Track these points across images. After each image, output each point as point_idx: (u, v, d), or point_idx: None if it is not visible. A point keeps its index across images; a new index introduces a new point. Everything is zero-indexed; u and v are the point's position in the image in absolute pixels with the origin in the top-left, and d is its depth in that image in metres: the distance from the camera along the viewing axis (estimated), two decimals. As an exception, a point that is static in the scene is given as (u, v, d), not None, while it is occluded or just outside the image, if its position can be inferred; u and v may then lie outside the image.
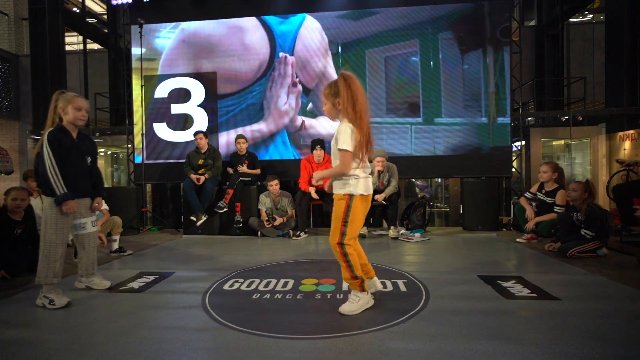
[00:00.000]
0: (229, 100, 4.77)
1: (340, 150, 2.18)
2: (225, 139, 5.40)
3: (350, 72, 2.20)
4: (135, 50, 6.34)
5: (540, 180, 4.42)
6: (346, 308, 2.25)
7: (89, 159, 2.67)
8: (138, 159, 6.32)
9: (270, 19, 4.50)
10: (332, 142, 2.27)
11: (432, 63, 5.55)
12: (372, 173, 4.89)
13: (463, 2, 5.74)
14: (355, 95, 2.14)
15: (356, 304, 2.26)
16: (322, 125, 5.32)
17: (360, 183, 2.24)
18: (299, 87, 3.96)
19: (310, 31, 4.03)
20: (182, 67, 5.23)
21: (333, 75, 4.45)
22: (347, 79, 2.15)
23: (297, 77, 4.00)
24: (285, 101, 4.19)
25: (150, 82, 5.96)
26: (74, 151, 2.52)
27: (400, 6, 5.71)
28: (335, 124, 2.32)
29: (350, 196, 2.23)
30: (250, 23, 4.28)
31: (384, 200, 4.77)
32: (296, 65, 4.14)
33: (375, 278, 2.58)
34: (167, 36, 6.16)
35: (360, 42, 5.43)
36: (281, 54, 4.21)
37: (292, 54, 4.12)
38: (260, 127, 4.33)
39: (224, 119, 5.06)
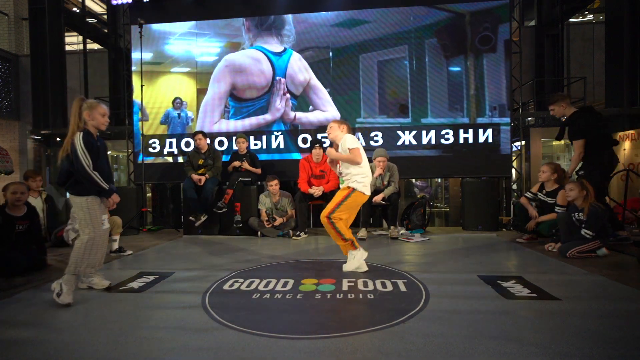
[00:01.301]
0: (249, 102, 6.24)
1: (350, 149, 2.98)
2: (241, 123, 6.30)
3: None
4: (136, 51, 6.35)
5: (539, 179, 4.42)
6: (347, 266, 2.97)
7: (105, 161, 2.81)
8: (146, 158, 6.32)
9: (272, 56, 6.15)
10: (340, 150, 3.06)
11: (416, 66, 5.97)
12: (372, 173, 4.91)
13: (464, 2, 5.76)
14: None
15: (354, 260, 2.94)
16: (313, 116, 6.23)
17: (366, 181, 3.01)
18: (288, 95, 6.09)
19: (295, 61, 6.12)
20: (224, 83, 6.30)
21: (316, 84, 6.11)
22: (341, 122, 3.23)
23: (286, 89, 6.08)
24: (279, 102, 6.10)
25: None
26: (100, 153, 2.69)
27: (395, 6, 5.89)
28: (317, 114, 3.04)
29: (353, 189, 2.97)
30: (261, 56, 6.17)
31: (383, 200, 4.77)
32: (287, 80, 6.11)
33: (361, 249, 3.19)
34: (177, 42, 6.44)
35: (354, 47, 6.07)
36: (277, 78, 6.12)
37: (284, 76, 6.10)
38: (265, 117, 6.17)
39: (245, 111, 6.28)
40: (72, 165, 2.56)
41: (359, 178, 2.99)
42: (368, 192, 3.02)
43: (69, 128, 2.61)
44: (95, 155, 2.60)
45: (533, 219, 4.31)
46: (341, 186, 3.02)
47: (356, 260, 2.96)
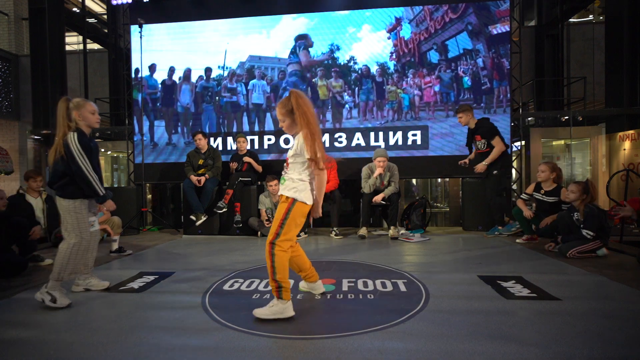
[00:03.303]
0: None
1: (309, 159, 2.23)
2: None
3: (297, 90, 2.32)
4: (136, 50, 6.35)
5: (538, 179, 4.41)
6: (258, 310, 2.20)
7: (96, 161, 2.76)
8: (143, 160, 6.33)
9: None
10: (292, 152, 2.32)
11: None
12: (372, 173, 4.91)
13: (463, 2, 5.76)
14: (308, 108, 2.24)
15: (269, 308, 2.18)
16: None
17: (307, 190, 2.29)
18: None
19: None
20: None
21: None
22: (298, 97, 2.24)
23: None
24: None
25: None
26: (93, 153, 2.62)
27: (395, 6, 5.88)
28: None
29: (294, 200, 2.26)
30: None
31: (383, 200, 4.77)
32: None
33: (319, 282, 2.64)
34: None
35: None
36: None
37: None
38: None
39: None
40: (68, 168, 2.48)
41: (300, 185, 2.28)
42: (311, 202, 2.31)
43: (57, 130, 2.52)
44: (88, 155, 2.53)
45: (531, 216, 4.29)
46: (280, 192, 2.35)
47: (270, 311, 2.17)
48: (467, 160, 4.80)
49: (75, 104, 2.57)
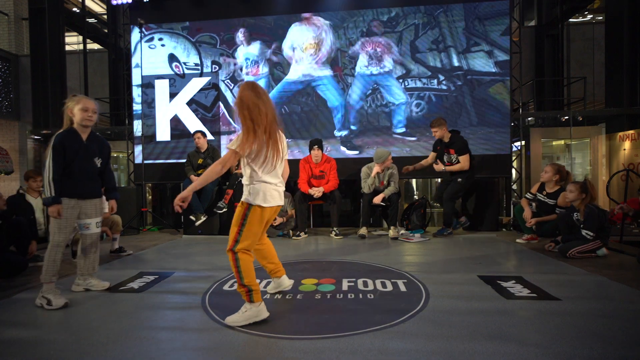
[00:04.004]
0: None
1: (228, 148, 2.12)
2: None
3: (250, 81, 2.16)
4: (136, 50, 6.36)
5: (541, 180, 4.42)
6: (230, 318, 2.11)
7: (98, 161, 2.71)
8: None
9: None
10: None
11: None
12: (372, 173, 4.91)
13: (464, 2, 5.75)
14: (252, 100, 2.09)
15: (241, 314, 2.09)
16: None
17: (261, 192, 2.15)
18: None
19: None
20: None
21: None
22: (243, 89, 2.12)
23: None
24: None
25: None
26: (81, 153, 2.56)
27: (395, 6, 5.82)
28: None
29: (249, 205, 2.15)
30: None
31: (383, 200, 4.77)
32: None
33: (284, 277, 2.60)
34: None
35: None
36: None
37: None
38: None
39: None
40: None
41: (253, 187, 2.16)
42: (269, 203, 2.18)
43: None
44: (72, 156, 2.50)
45: (529, 220, 4.31)
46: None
47: (244, 316, 2.08)
48: (415, 167, 5.02)
49: (72, 100, 2.57)
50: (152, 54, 6.30)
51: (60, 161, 2.48)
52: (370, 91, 5.85)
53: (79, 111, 2.53)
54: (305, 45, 5.88)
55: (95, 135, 2.72)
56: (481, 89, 5.37)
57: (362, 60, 5.82)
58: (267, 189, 2.18)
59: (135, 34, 6.21)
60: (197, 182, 2.23)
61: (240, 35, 6.05)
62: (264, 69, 6.12)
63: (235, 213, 2.22)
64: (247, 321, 2.09)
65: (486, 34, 5.21)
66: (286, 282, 2.62)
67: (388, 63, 5.71)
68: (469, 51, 5.38)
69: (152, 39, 6.27)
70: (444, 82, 5.46)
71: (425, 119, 5.53)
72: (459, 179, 4.78)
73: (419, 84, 5.46)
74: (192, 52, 6.22)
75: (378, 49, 5.69)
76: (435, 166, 4.79)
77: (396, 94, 5.77)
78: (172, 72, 6.29)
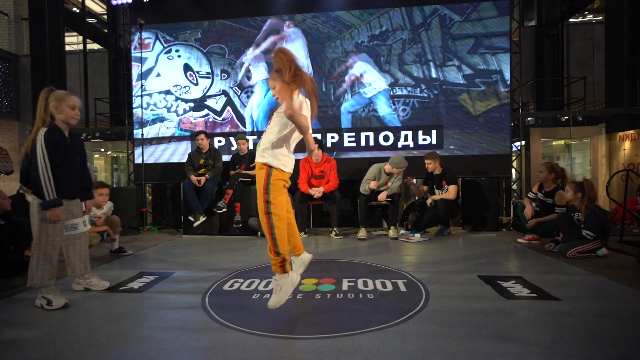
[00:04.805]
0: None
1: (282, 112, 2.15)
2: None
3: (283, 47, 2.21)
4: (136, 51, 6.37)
5: (537, 180, 4.43)
6: (271, 302, 2.15)
7: (78, 159, 2.62)
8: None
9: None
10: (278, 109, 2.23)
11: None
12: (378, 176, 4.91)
13: (464, 2, 5.76)
14: (291, 60, 2.14)
15: (279, 293, 2.14)
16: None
17: (281, 156, 2.20)
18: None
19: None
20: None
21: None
22: (278, 52, 2.15)
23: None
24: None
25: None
26: (68, 151, 2.47)
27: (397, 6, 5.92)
28: None
29: (270, 167, 2.18)
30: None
31: (387, 198, 4.78)
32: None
33: (305, 253, 2.54)
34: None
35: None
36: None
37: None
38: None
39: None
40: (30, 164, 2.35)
41: (272, 151, 2.19)
42: (288, 169, 2.24)
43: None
44: (62, 154, 2.39)
45: (529, 218, 4.31)
46: (256, 160, 2.25)
47: (282, 293, 2.15)
48: (414, 185, 5.34)
49: (56, 96, 2.42)
50: (170, 64, 6.41)
51: (52, 160, 2.35)
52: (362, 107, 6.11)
53: (68, 108, 2.43)
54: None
55: (73, 132, 2.60)
56: (452, 96, 5.87)
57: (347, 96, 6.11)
58: (287, 155, 2.24)
59: (158, 46, 6.39)
60: (305, 127, 2.17)
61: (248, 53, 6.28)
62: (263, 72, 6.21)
63: (257, 179, 2.23)
64: (287, 295, 2.18)
65: (456, 52, 5.80)
66: (307, 258, 2.54)
67: (373, 82, 6.02)
68: (444, 65, 5.88)
69: (169, 51, 6.41)
70: (425, 90, 5.92)
71: (409, 121, 5.97)
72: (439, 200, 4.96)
73: (404, 92, 5.95)
74: (204, 61, 6.35)
75: (360, 78, 6.04)
76: (427, 202, 4.95)
77: (383, 109, 6.03)
78: (187, 80, 6.39)
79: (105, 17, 10.68)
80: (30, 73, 8.29)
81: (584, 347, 1.77)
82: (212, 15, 6.28)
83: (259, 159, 2.22)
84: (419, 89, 5.88)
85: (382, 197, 4.77)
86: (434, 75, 5.85)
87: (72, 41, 11.32)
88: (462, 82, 5.78)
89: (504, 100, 5.71)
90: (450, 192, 4.87)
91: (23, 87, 8.85)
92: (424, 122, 5.89)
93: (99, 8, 11.69)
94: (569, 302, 2.37)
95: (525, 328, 2.01)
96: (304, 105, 2.22)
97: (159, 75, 6.42)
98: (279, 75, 2.19)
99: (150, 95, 6.41)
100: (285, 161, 2.23)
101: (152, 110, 6.41)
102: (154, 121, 6.40)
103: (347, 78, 6.03)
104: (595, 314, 2.16)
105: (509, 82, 5.70)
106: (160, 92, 6.42)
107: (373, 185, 4.84)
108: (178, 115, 6.37)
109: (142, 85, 6.25)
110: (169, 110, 6.40)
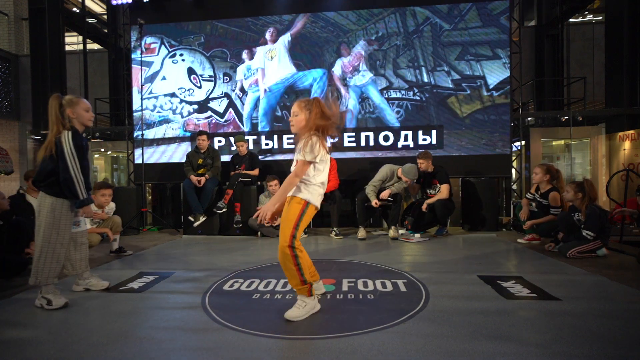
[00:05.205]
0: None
1: (302, 160, 2.22)
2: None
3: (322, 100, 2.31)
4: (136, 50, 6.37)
5: (533, 181, 4.44)
6: (291, 314, 2.17)
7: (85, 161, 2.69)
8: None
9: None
10: (296, 155, 2.28)
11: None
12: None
13: (464, 2, 5.77)
14: (326, 113, 2.23)
15: (302, 309, 2.19)
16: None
17: (317, 194, 2.28)
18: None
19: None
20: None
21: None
22: (320, 103, 2.25)
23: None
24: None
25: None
26: (84, 152, 2.56)
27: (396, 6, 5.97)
28: None
29: (307, 203, 2.24)
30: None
31: (389, 197, 4.78)
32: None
33: (320, 282, 2.62)
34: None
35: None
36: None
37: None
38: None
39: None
40: (57, 166, 2.42)
41: (312, 188, 2.26)
42: (318, 205, 2.32)
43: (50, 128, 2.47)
44: (80, 156, 2.47)
45: (525, 219, 4.31)
46: (293, 194, 2.29)
47: (304, 310, 2.19)
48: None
49: (68, 101, 2.51)
50: (174, 68, 6.44)
51: (80, 161, 2.46)
52: (360, 99, 6.16)
53: (83, 112, 2.55)
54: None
55: (83, 135, 2.69)
56: (442, 99, 5.99)
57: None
58: (320, 193, 2.32)
59: (163, 50, 6.44)
60: (277, 196, 2.26)
61: (244, 55, 6.34)
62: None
63: (288, 210, 2.25)
64: (308, 314, 2.21)
65: (446, 58, 5.95)
66: (322, 288, 2.62)
67: (366, 72, 6.13)
68: (435, 70, 6.01)
69: (174, 55, 6.45)
70: (417, 93, 6.04)
71: (403, 123, 6.05)
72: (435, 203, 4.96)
73: (398, 95, 6.08)
74: (207, 65, 6.39)
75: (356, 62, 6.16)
76: (422, 207, 4.93)
77: (376, 98, 6.11)
78: (191, 83, 6.42)
79: (105, 17, 10.67)
80: (30, 73, 8.28)
81: (584, 347, 1.77)
82: (212, 15, 6.29)
83: (297, 193, 2.26)
84: (412, 92, 6.05)
85: (385, 194, 4.76)
86: (425, 80, 6.02)
87: (72, 41, 11.32)
88: (451, 86, 5.96)
89: (486, 103, 5.85)
90: (443, 191, 4.91)
91: (23, 87, 8.84)
92: (416, 123, 6.00)
93: (99, 8, 11.69)
94: (569, 302, 2.37)
95: (525, 328, 2.01)
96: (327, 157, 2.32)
97: (164, 78, 6.48)
98: (308, 110, 2.25)
99: (156, 97, 6.46)
100: (319, 200, 2.32)
101: (158, 112, 6.45)
102: (160, 122, 6.44)
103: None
104: (595, 314, 2.17)
105: (491, 87, 5.82)
106: (165, 95, 6.47)
107: (385, 194, 4.79)
108: (183, 117, 6.41)
109: (142, 90, 6.24)
110: (174, 112, 6.45)
